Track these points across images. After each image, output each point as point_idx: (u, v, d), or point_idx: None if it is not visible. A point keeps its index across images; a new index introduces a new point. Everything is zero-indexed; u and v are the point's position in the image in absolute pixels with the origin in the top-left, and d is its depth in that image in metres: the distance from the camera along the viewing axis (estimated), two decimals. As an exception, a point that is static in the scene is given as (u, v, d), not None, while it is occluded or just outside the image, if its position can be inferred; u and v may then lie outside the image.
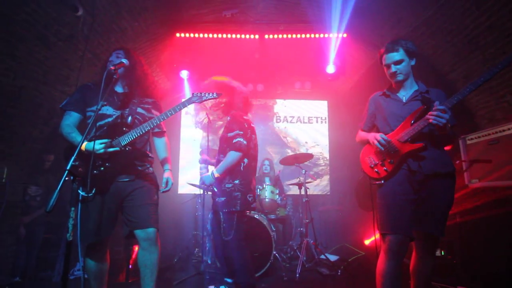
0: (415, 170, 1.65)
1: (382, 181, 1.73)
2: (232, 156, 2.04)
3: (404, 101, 1.79)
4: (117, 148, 1.73)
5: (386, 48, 1.76)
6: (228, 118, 2.21)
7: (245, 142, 2.04)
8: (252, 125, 2.21)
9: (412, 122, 1.67)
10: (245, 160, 2.10)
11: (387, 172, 1.71)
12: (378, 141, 1.72)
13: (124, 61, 1.82)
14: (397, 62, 1.74)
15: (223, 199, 2.04)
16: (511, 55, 1.48)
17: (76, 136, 1.77)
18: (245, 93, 2.26)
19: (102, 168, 1.74)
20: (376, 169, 1.77)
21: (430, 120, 1.55)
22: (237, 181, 2.05)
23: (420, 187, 1.66)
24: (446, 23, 2.81)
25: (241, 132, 2.06)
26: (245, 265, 2.02)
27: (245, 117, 2.19)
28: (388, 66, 1.78)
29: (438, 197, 1.66)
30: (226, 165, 2.05)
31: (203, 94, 1.90)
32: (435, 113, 1.53)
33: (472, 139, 2.63)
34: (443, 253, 2.83)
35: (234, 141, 2.04)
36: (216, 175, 2.05)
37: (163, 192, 2.00)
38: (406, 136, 1.66)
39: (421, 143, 1.63)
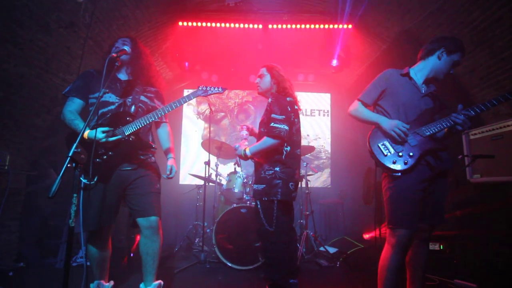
0: (434, 166, 1.63)
1: (399, 174, 1.60)
2: (267, 142, 1.86)
3: (422, 92, 1.75)
4: (119, 137, 1.73)
5: (465, 52, 1.74)
6: (270, 100, 1.96)
7: (286, 128, 1.84)
8: (295, 107, 2.00)
9: (433, 119, 1.66)
10: (288, 148, 1.92)
11: (407, 164, 1.59)
12: (400, 130, 1.60)
13: (126, 48, 1.81)
14: None
15: (262, 186, 1.89)
16: None
17: (79, 123, 1.76)
18: (284, 74, 2.10)
19: (105, 157, 1.75)
20: (393, 159, 1.62)
21: (457, 125, 1.57)
22: (277, 168, 1.88)
23: (431, 182, 1.66)
24: (454, 15, 2.75)
25: (282, 117, 1.85)
26: (280, 261, 1.85)
27: (289, 98, 1.99)
28: (456, 65, 1.75)
29: (441, 191, 1.70)
30: (259, 148, 1.90)
31: (208, 88, 1.92)
32: (462, 117, 1.55)
33: (475, 134, 2.61)
34: (442, 247, 2.85)
35: (271, 125, 1.85)
36: (249, 156, 1.93)
37: (168, 178, 2.00)
38: (428, 131, 1.62)
39: (445, 146, 1.66)
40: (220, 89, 1.92)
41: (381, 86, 1.77)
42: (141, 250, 1.85)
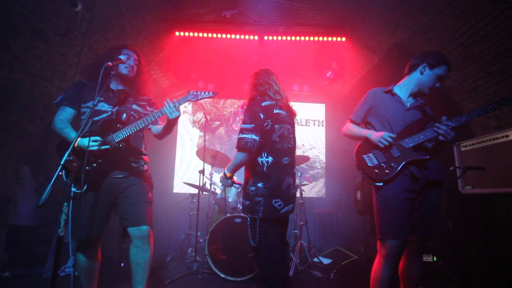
0: (418, 176, 1.67)
1: (381, 184, 1.68)
2: (238, 157, 1.77)
3: (407, 106, 1.82)
4: (108, 146, 1.72)
5: (450, 66, 1.79)
6: (244, 107, 1.87)
7: (255, 137, 1.71)
8: (276, 111, 1.80)
9: (417, 131, 1.71)
10: (269, 159, 1.76)
11: (388, 175, 1.67)
12: (385, 140, 1.68)
13: (122, 57, 1.82)
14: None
15: (247, 202, 1.81)
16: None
17: (70, 132, 1.76)
18: (269, 75, 1.97)
19: (94, 165, 1.74)
20: (376, 170, 1.70)
21: (439, 136, 1.61)
22: (260, 184, 1.75)
23: (418, 193, 1.69)
24: (443, 30, 2.84)
25: (251, 126, 1.73)
26: (273, 276, 1.74)
27: (265, 103, 1.81)
28: (441, 79, 1.78)
29: (433, 202, 1.72)
30: (233, 165, 1.81)
31: (199, 93, 1.89)
32: (444, 127, 1.59)
33: (466, 146, 2.65)
34: (435, 259, 2.85)
35: (239, 136, 1.75)
36: (228, 174, 1.83)
37: (173, 115, 1.77)
38: (411, 142, 1.68)
39: (427, 156, 1.68)
40: (210, 93, 1.89)
41: (367, 104, 1.89)
42: (131, 260, 1.82)
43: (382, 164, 1.70)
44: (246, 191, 1.83)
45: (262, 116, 1.76)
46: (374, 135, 1.74)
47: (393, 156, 1.69)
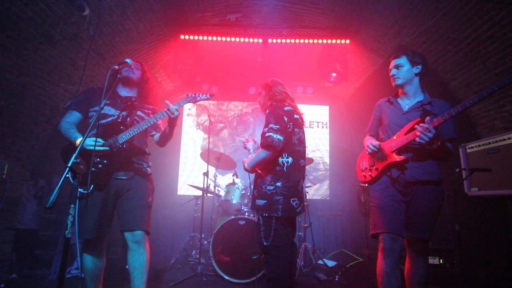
0: (396, 177, 1.76)
1: (366, 185, 1.94)
2: (261, 155, 1.84)
3: (404, 110, 1.87)
4: (107, 148, 1.76)
5: (393, 56, 1.95)
6: (267, 111, 1.97)
7: (280, 138, 1.79)
8: (295, 116, 1.95)
9: (405, 134, 1.75)
10: (289, 159, 1.86)
11: (371, 177, 1.87)
12: (368, 148, 1.88)
13: (128, 60, 1.85)
14: (397, 66, 1.88)
15: (263, 202, 1.83)
16: (503, 81, 1.50)
17: (74, 132, 1.81)
18: (282, 84, 2.11)
19: (100, 166, 1.77)
20: (364, 173, 1.95)
21: (416, 138, 1.63)
22: (279, 183, 1.82)
23: (406, 192, 1.75)
24: (448, 32, 2.83)
25: (277, 127, 1.82)
26: (282, 276, 1.78)
27: (287, 108, 1.94)
28: (390, 70, 1.93)
29: (422, 203, 1.73)
30: (255, 161, 1.88)
31: (197, 95, 1.96)
32: (420, 129, 1.60)
33: (472, 147, 2.63)
34: (441, 262, 2.82)
35: (266, 135, 1.82)
36: (248, 169, 1.93)
37: (172, 114, 1.86)
38: (395, 146, 1.77)
39: (403, 157, 1.73)
40: (208, 95, 1.99)
41: (374, 116, 2.07)
42: (128, 264, 1.84)
43: (369, 168, 1.91)
44: (262, 190, 1.87)
45: (286, 118, 1.87)
46: (365, 143, 1.94)
47: (379, 160, 1.85)
